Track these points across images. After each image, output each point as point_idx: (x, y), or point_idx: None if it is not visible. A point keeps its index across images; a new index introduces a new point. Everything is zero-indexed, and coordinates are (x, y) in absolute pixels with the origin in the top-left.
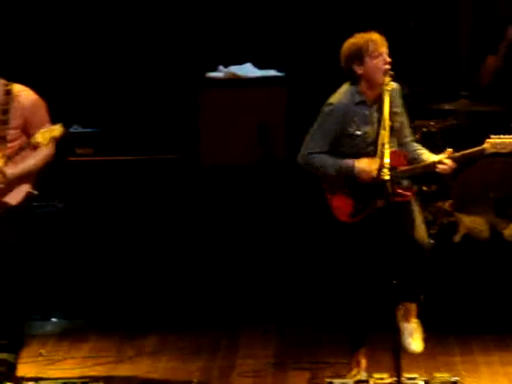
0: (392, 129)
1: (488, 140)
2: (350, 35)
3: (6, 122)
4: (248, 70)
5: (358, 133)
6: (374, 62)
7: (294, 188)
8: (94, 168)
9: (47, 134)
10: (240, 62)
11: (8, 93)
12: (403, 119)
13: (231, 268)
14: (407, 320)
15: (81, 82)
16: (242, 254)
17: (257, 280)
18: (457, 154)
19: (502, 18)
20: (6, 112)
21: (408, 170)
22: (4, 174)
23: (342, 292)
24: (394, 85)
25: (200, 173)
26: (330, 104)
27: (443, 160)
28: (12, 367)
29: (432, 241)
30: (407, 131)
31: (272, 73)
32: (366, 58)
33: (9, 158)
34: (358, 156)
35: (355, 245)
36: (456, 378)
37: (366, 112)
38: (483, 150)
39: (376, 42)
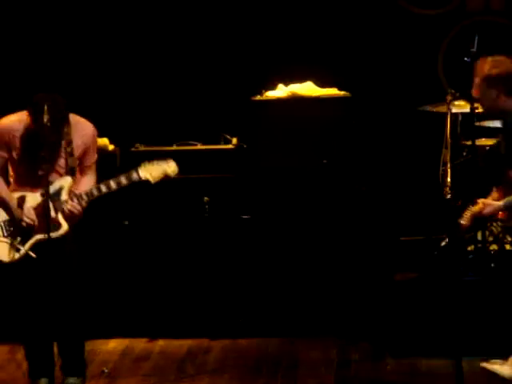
0: None
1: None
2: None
3: (72, 154)
4: (308, 88)
5: None
6: None
7: (352, 202)
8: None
9: (159, 170)
10: (300, 81)
11: (69, 123)
12: None
13: (290, 281)
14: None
15: (145, 101)
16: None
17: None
18: None
19: None
20: (70, 143)
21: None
22: (84, 201)
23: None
24: None
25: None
26: None
27: None
28: None
29: None
30: None
31: (332, 91)
32: None
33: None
34: None
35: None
36: None
37: None
38: None
39: None
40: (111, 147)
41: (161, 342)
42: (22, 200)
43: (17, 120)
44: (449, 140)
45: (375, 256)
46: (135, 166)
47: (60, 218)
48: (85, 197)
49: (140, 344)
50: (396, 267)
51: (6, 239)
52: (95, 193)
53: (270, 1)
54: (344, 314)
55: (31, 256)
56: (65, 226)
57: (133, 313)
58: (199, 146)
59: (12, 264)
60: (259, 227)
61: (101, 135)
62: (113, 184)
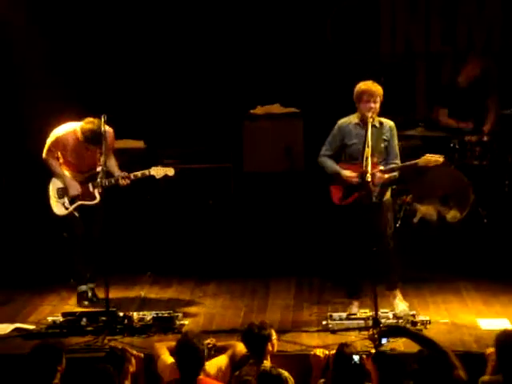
0: (376, 147)
1: (422, 157)
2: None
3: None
4: (277, 108)
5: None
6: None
7: (309, 190)
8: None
9: (162, 171)
10: (272, 102)
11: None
12: (388, 145)
13: (267, 239)
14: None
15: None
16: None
17: (282, 248)
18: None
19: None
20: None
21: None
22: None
23: (342, 256)
24: (389, 122)
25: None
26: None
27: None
28: None
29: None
30: (392, 155)
31: (293, 109)
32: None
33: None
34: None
35: (346, 222)
36: (413, 312)
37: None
38: (416, 164)
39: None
40: (144, 147)
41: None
42: (73, 177)
43: (69, 134)
44: (370, 142)
45: (319, 219)
46: (157, 162)
47: (96, 192)
48: (132, 176)
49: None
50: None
51: (60, 200)
52: (133, 177)
53: (247, 50)
54: (301, 259)
55: (74, 214)
56: (97, 198)
57: (159, 258)
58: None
59: (63, 216)
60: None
61: (138, 138)
62: (140, 174)
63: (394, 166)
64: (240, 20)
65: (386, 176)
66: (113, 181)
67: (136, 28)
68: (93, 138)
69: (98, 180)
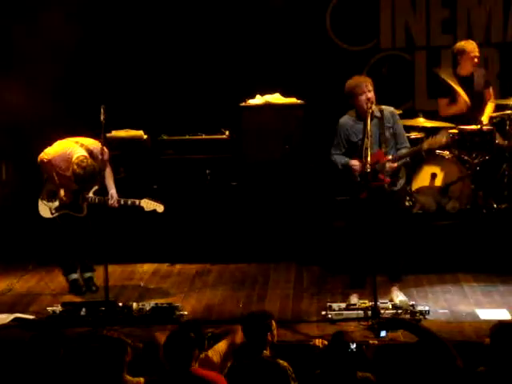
0: (382, 137)
1: (425, 141)
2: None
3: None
4: (276, 98)
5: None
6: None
7: (305, 174)
8: (176, 162)
9: (152, 205)
10: (271, 92)
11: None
12: (393, 131)
13: (266, 228)
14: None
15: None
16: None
17: (281, 237)
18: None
19: None
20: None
21: (381, 163)
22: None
23: (350, 247)
24: (390, 108)
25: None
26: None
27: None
28: None
29: None
30: (400, 140)
31: (293, 100)
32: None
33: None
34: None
35: (360, 214)
36: (413, 302)
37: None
38: (421, 148)
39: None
40: (145, 137)
41: (178, 266)
42: (67, 185)
43: (63, 162)
44: (369, 133)
45: (320, 210)
46: (161, 151)
47: (84, 205)
48: (122, 202)
49: (164, 267)
50: (334, 217)
51: (48, 204)
52: (122, 203)
53: (250, 41)
54: (301, 248)
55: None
56: (84, 211)
57: (159, 246)
58: (203, 136)
59: (49, 219)
60: (244, 191)
61: (138, 128)
62: (129, 202)
63: (401, 153)
64: (239, 9)
65: (396, 164)
66: (102, 199)
67: (133, 18)
68: (82, 182)
69: (90, 195)
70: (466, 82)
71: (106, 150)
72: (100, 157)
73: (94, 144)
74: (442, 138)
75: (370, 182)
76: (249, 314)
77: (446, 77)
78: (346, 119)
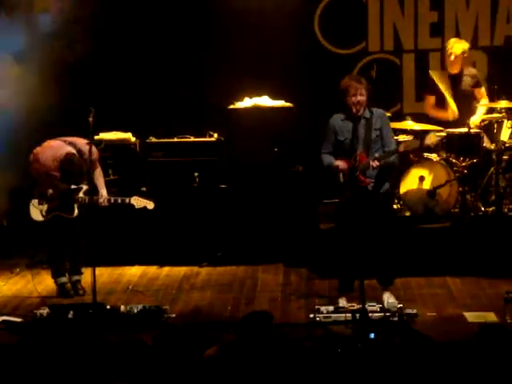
0: (368, 138)
1: (400, 144)
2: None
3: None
4: (265, 101)
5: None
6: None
7: (293, 177)
8: (164, 164)
9: (142, 203)
10: (259, 95)
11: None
12: (381, 133)
13: (254, 230)
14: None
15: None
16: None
17: (269, 239)
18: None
19: None
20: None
21: (362, 164)
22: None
23: (336, 250)
24: (379, 111)
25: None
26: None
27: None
28: None
29: None
30: (387, 142)
31: (282, 103)
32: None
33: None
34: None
35: (347, 216)
36: (401, 305)
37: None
38: (397, 150)
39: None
40: (133, 139)
41: (166, 268)
42: (58, 185)
43: (51, 168)
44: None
45: (308, 212)
46: (149, 153)
47: (75, 206)
48: (112, 200)
49: (152, 269)
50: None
51: (39, 206)
52: (112, 201)
53: (239, 44)
54: (288, 251)
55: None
56: (75, 212)
57: (147, 249)
58: (192, 139)
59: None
60: (232, 193)
61: (126, 130)
62: (119, 200)
63: (380, 155)
64: (227, 11)
65: (375, 164)
66: (93, 200)
67: (122, 20)
68: (68, 178)
69: (80, 195)
70: (453, 81)
71: (95, 149)
72: (88, 155)
73: (82, 143)
74: (416, 142)
75: (354, 181)
76: (249, 314)
77: (439, 80)
78: (336, 118)
